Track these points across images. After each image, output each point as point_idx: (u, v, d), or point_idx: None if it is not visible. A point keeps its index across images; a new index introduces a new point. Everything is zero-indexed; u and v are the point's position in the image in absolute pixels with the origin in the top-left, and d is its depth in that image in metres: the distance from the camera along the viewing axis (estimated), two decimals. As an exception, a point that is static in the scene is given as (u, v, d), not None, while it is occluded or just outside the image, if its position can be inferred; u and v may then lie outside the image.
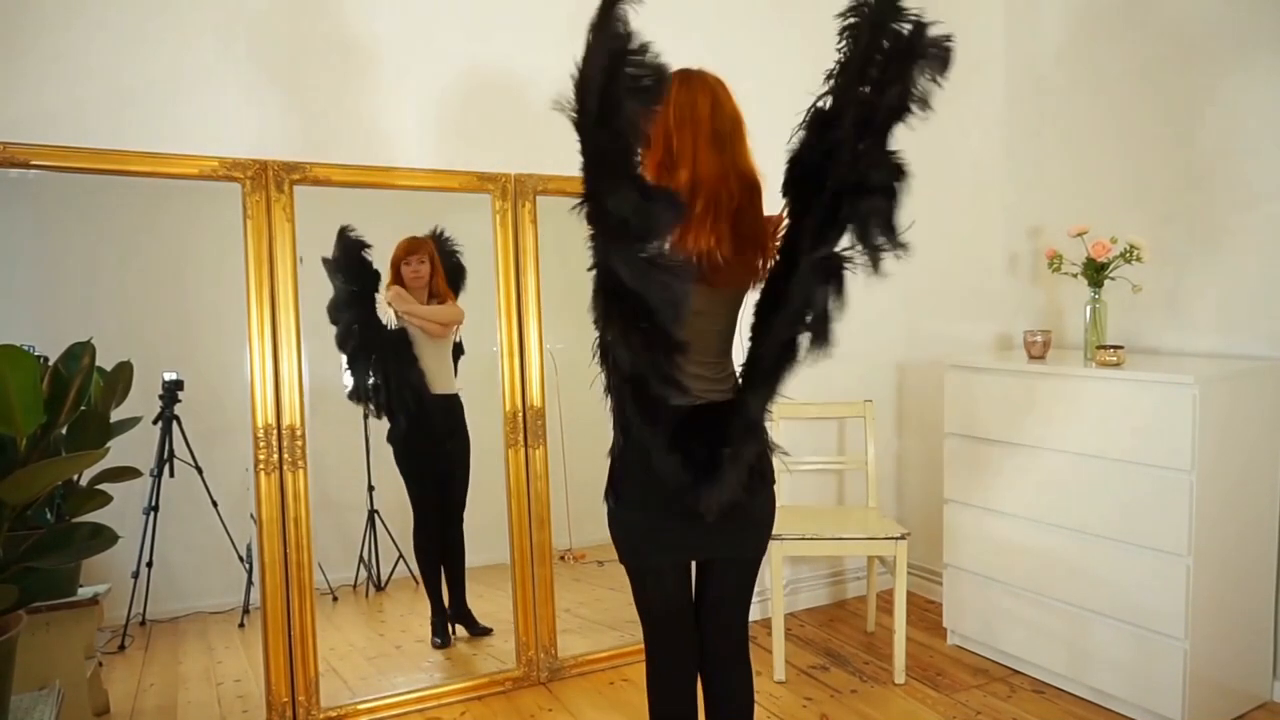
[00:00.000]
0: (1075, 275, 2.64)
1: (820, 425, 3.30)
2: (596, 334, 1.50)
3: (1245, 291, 2.45)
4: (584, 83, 1.34)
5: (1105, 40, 2.75)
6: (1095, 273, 2.57)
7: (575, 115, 1.35)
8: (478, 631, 2.91)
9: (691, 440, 1.50)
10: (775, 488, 1.67)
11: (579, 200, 1.39)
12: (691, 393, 1.49)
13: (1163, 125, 2.60)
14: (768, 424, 1.55)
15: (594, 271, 1.42)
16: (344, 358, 2.80)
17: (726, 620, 1.70)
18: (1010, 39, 3.05)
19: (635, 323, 1.40)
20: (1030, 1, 2.97)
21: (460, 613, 2.92)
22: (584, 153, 1.37)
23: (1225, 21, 2.45)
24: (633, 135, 1.35)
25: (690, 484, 1.49)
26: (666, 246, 1.40)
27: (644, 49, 1.34)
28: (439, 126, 2.67)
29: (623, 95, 1.32)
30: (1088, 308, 2.60)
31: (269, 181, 2.40)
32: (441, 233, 2.90)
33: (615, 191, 1.35)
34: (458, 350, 2.93)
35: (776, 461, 1.64)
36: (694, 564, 1.72)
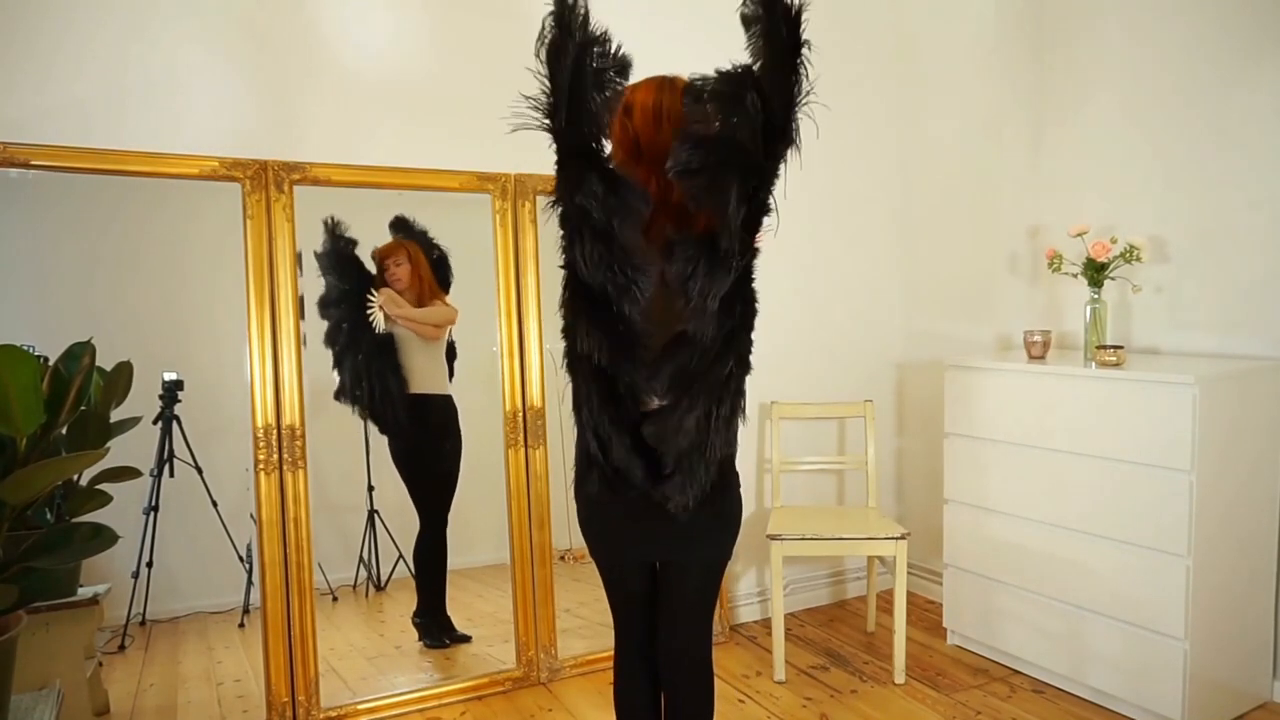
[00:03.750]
0: (1075, 275, 2.64)
1: (820, 425, 3.30)
2: (564, 338, 1.49)
3: (1245, 291, 2.44)
4: (551, 81, 1.36)
5: (1106, 41, 2.75)
6: (1095, 273, 2.57)
7: (547, 117, 1.38)
8: (455, 638, 2.87)
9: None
10: (740, 490, 1.63)
11: (551, 201, 1.42)
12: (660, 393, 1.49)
13: (1163, 125, 2.60)
14: (740, 426, 1.52)
15: (564, 272, 1.44)
16: (331, 355, 2.74)
17: (683, 622, 1.66)
18: (1009, 38, 3.05)
19: (600, 318, 1.40)
20: (1029, 2, 2.98)
21: (441, 619, 2.89)
22: (557, 151, 1.39)
23: (1228, 24, 2.45)
24: (599, 129, 1.37)
25: (651, 484, 1.48)
26: (631, 240, 1.40)
27: (605, 39, 1.36)
28: (439, 126, 2.67)
29: (589, 90, 1.34)
30: (1088, 308, 2.60)
31: (269, 181, 2.40)
32: (424, 230, 2.86)
33: (582, 185, 1.36)
34: (450, 352, 2.91)
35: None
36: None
